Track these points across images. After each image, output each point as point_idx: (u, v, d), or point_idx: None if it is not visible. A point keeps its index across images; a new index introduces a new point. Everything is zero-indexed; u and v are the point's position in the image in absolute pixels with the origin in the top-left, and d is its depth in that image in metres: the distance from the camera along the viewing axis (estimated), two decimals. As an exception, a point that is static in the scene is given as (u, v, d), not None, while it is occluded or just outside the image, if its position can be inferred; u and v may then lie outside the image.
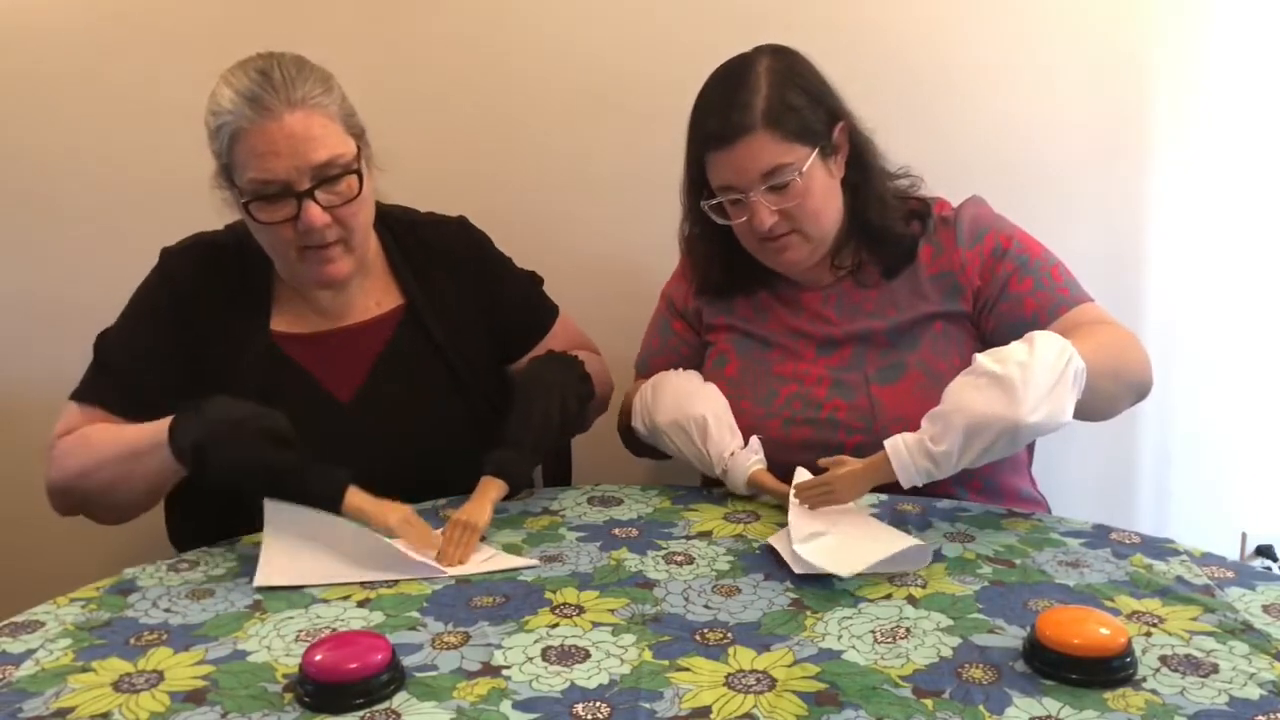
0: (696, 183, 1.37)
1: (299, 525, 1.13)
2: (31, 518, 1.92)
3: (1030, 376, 1.08)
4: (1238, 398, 1.97)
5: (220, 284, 1.36)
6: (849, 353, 1.39)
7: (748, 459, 1.29)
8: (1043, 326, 1.25)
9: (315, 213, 1.23)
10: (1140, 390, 1.30)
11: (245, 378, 1.31)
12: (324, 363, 1.36)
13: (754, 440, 1.31)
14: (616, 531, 1.22)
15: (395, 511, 1.17)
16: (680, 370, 1.43)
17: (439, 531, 1.17)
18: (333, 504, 1.14)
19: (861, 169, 1.38)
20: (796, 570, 1.08)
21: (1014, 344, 1.12)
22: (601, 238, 1.91)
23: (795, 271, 1.41)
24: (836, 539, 1.13)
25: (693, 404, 1.33)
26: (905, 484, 1.15)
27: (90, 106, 1.84)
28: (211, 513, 1.28)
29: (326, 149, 1.23)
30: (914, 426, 1.17)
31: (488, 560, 1.14)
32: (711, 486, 1.38)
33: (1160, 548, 1.14)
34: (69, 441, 1.28)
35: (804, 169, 1.30)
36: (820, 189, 1.33)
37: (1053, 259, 1.37)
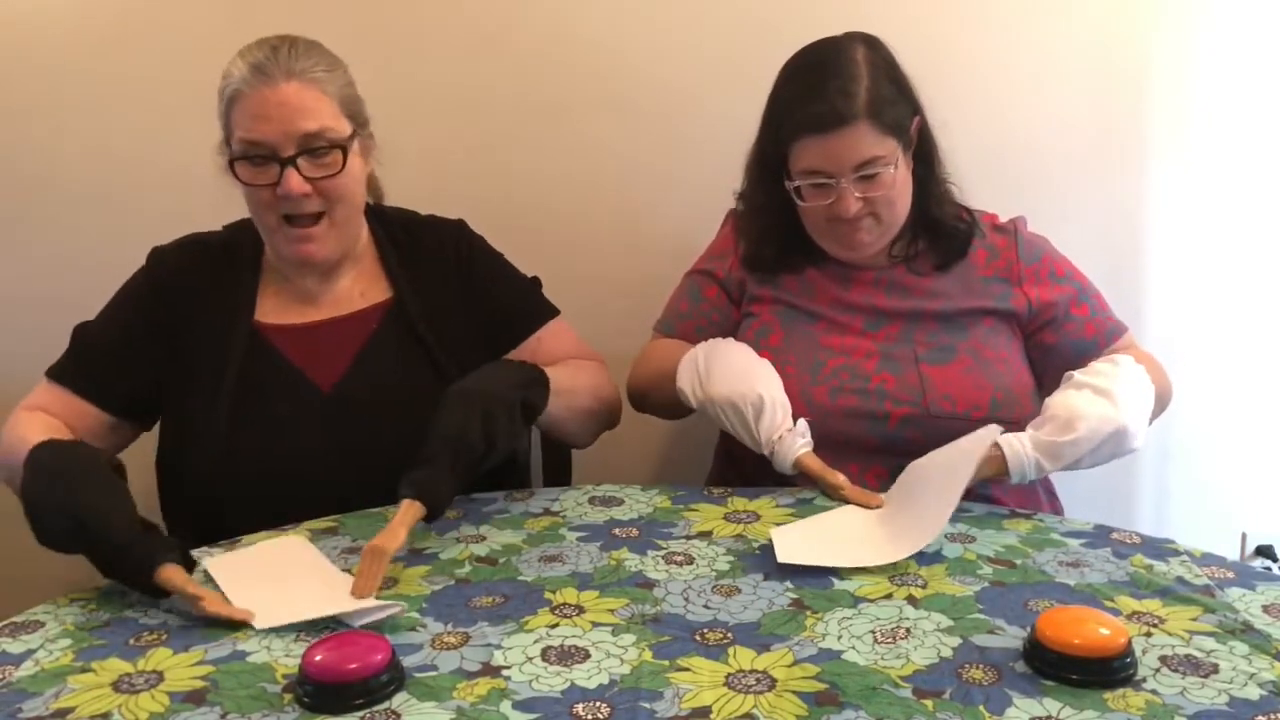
0: (773, 162, 1.39)
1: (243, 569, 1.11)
2: (31, 518, 1.92)
3: (1125, 390, 1.21)
4: (1238, 398, 1.97)
5: (204, 275, 1.38)
6: (897, 330, 1.42)
7: (794, 442, 1.29)
8: (1101, 350, 1.44)
9: (294, 180, 1.27)
10: (1164, 409, 1.43)
11: (225, 365, 1.33)
12: (306, 352, 1.37)
13: (801, 423, 1.31)
14: (617, 531, 1.21)
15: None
16: (733, 341, 1.42)
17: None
18: (147, 578, 1.03)
19: (927, 163, 1.43)
20: (780, 560, 1.10)
21: (1103, 364, 1.26)
22: (606, 237, 1.91)
23: (858, 256, 1.44)
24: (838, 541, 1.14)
25: (751, 383, 1.32)
26: (1017, 478, 1.21)
27: (81, 103, 1.83)
28: (208, 515, 1.30)
29: (315, 120, 1.27)
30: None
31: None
32: (713, 487, 1.38)
33: (1160, 548, 1.14)
34: (13, 419, 1.32)
35: (897, 160, 1.34)
36: (902, 180, 1.38)
37: (1095, 288, 1.49)
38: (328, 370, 1.37)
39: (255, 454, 1.30)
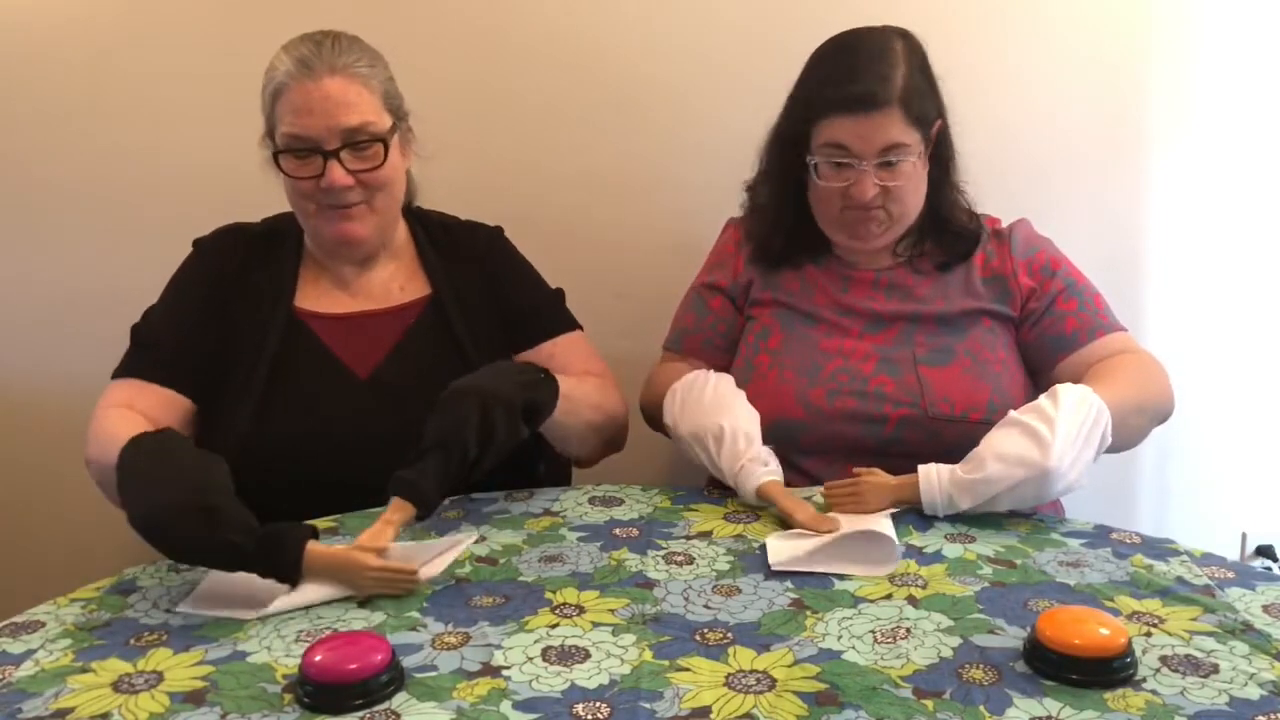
0: (793, 143, 1.41)
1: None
2: (32, 517, 1.92)
3: (1058, 429, 1.15)
4: (1238, 398, 1.97)
5: (248, 261, 1.42)
6: (896, 332, 1.43)
7: (754, 471, 1.25)
8: (1082, 346, 1.40)
9: (338, 173, 1.31)
10: (1163, 417, 1.39)
11: (262, 346, 1.36)
12: (344, 340, 1.39)
13: (765, 450, 1.29)
14: (617, 531, 1.22)
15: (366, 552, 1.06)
16: (711, 376, 1.39)
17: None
18: (294, 568, 1.04)
19: (943, 166, 1.44)
20: (773, 566, 1.10)
21: (1043, 399, 1.20)
22: (607, 238, 1.91)
23: (865, 247, 1.45)
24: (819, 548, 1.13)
25: (713, 415, 1.31)
26: (927, 509, 1.19)
27: (99, 104, 1.83)
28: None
29: (359, 115, 1.31)
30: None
31: (435, 559, 1.11)
32: (713, 488, 1.38)
33: (1160, 548, 1.14)
34: (97, 418, 1.30)
35: (920, 154, 1.36)
36: (918, 176, 1.39)
37: (1094, 288, 1.46)
38: (365, 358, 1.39)
39: (285, 434, 1.32)
